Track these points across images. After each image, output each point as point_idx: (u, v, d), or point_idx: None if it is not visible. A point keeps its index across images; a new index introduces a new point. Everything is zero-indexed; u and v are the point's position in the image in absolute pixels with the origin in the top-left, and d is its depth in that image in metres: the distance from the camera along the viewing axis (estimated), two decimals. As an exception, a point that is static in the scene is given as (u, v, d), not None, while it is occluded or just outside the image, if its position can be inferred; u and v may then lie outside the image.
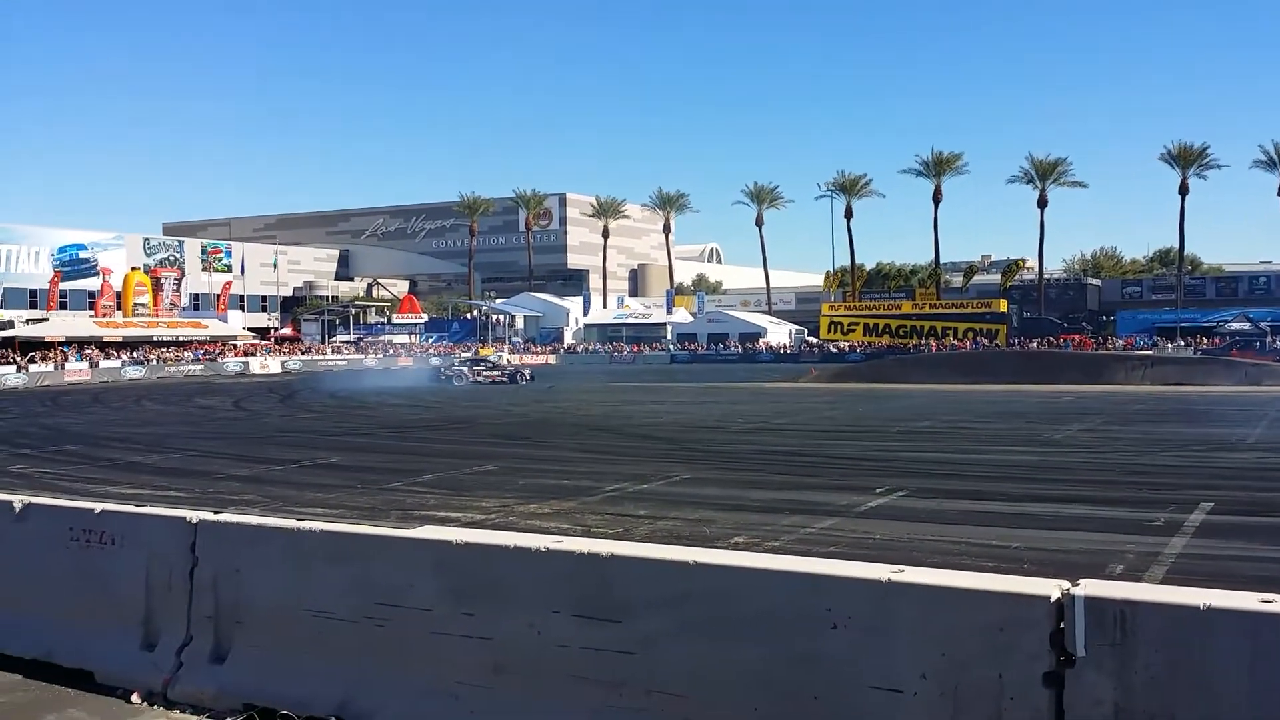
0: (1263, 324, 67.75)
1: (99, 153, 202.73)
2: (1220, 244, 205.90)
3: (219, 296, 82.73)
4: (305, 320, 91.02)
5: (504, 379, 48.33)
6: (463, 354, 64.70)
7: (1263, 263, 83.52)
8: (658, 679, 4.25)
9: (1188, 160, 74.89)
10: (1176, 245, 78.53)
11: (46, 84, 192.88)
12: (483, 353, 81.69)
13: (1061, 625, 3.52)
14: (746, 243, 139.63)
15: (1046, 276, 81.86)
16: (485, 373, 49.35)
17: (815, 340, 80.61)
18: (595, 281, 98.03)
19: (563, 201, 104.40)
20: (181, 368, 66.34)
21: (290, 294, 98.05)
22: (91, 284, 74.69)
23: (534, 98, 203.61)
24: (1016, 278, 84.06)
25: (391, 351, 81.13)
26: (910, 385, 40.57)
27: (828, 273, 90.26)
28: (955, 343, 72.32)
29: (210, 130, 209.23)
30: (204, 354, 71.42)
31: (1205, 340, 67.02)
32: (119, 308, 72.39)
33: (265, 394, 41.88)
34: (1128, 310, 76.77)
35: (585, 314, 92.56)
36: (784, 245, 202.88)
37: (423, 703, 4.71)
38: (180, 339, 73.78)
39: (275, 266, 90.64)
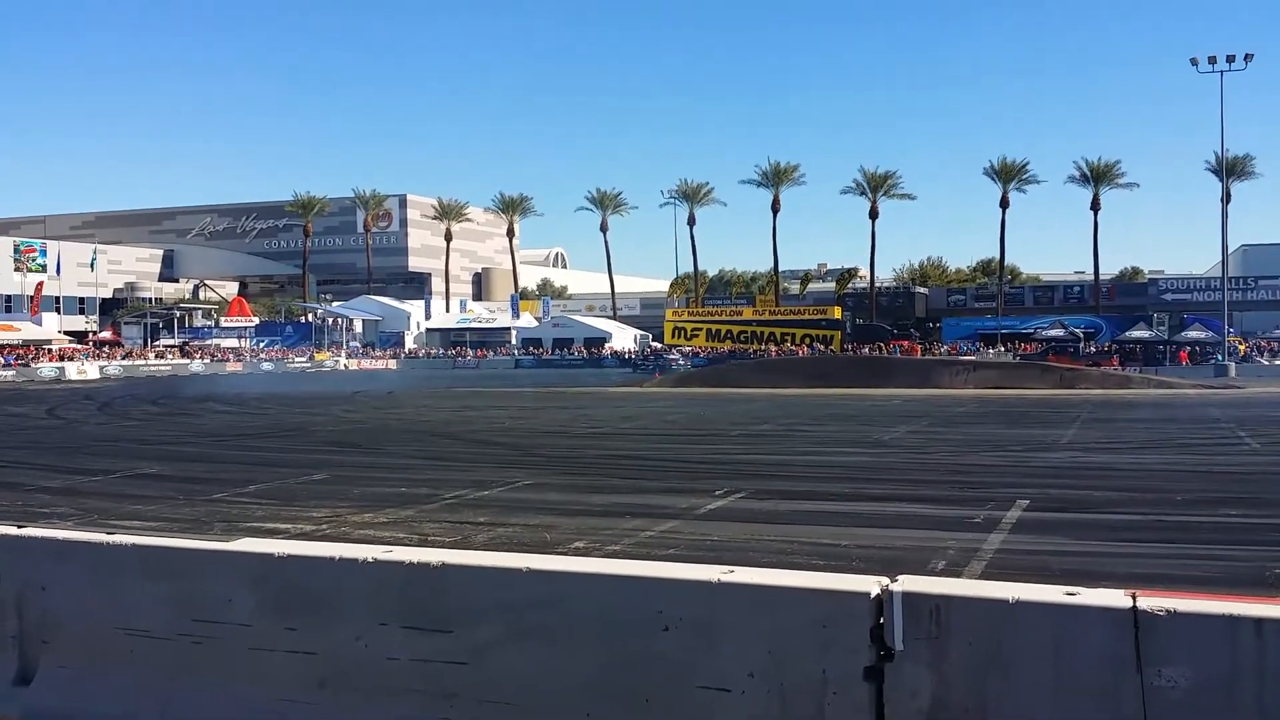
0: (1077, 330, 71.90)
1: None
2: (1038, 255, 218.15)
3: (32, 298, 78.06)
4: (126, 323, 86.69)
5: None
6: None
7: (1077, 273, 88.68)
8: (490, 688, 4.19)
9: (1009, 175, 79.01)
10: (998, 256, 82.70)
11: None
12: (318, 358, 79.51)
13: (881, 620, 3.63)
14: (592, 248, 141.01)
15: (878, 285, 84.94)
16: None
17: (659, 345, 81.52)
18: (438, 285, 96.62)
19: (403, 203, 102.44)
20: (-10, 373, 62.33)
21: (110, 296, 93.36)
22: (-112, 283, 69.53)
23: (373, 96, 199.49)
24: (850, 285, 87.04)
25: (220, 356, 78.07)
26: (750, 389, 41.47)
27: (673, 279, 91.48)
28: (793, 348, 74.28)
29: (23, 123, 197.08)
30: (16, 359, 67.23)
31: (1024, 346, 70.69)
32: (-81, 309, 67.52)
33: (82, 401, 39.65)
34: (952, 317, 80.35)
35: (427, 318, 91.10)
36: (629, 251, 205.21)
37: (244, 721, 4.53)
38: (-11, 343, 69.30)
39: (94, 267, 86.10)
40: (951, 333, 76.48)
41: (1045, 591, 3.59)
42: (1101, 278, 79.17)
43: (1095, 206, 77.58)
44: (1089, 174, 77.41)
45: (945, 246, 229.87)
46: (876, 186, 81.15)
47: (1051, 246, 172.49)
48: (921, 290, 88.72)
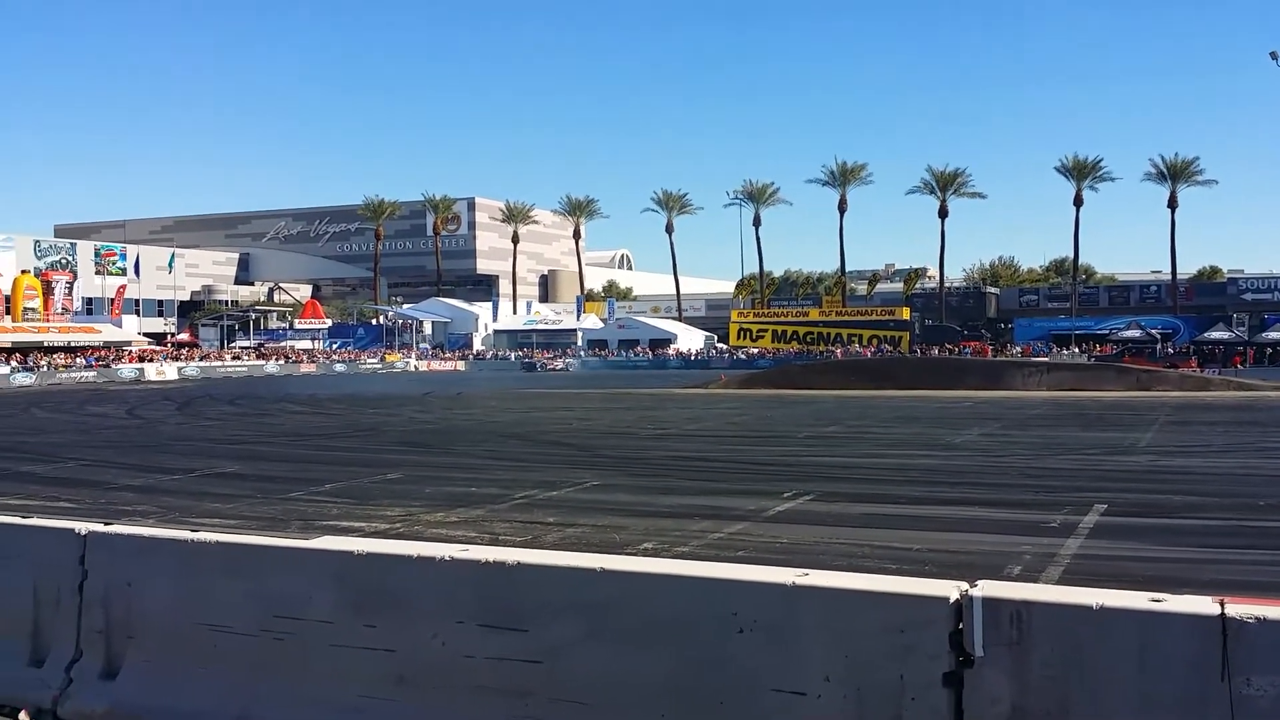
0: (1153, 331, 70.25)
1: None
2: (1113, 254, 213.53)
3: (113, 300, 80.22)
4: (203, 325, 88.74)
5: None
6: None
7: (1153, 272, 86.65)
8: (564, 688, 4.21)
9: (1082, 173, 77.44)
10: (1071, 255, 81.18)
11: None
12: (389, 359, 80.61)
13: (960, 626, 3.58)
14: (657, 249, 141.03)
15: (947, 285, 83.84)
16: None
17: (725, 346, 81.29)
18: (505, 287, 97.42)
19: (472, 206, 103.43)
20: (73, 374, 64.00)
21: (188, 298, 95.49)
22: (-22, 287, 71.89)
23: (443, 102, 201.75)
24: (918, 286, 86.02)
25: (294, 357, 79.51)
26: (817, 391, 41.17)
27: (739, 280, 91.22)
28: (860, 349, 73.61)
29: (104, 130, 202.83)
30: (97, 360, 69.10)
31: (1099, 347, 69.25)
32: (8, 312, 69.71)
33: (161, 401, 40.67)
34: (1025, 318, 78.97)
35: (495, 320, 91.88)
36: (694, 252, 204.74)
37: (323, 717, 4.60)
38: (72, 344, 71.26)
39: (172, 269, 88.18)
40: (1024, 334, 75.18)
41: (1130, 598, 3.52)
42: (1179, 277, 77.26)
43: (1173, 204, 75.78)
44: (1166, 171, 75.59)
45: (1016, 246, 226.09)
46: (946, 185, 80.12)
47: (1127, 246, 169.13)
48: (992, 290, 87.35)
